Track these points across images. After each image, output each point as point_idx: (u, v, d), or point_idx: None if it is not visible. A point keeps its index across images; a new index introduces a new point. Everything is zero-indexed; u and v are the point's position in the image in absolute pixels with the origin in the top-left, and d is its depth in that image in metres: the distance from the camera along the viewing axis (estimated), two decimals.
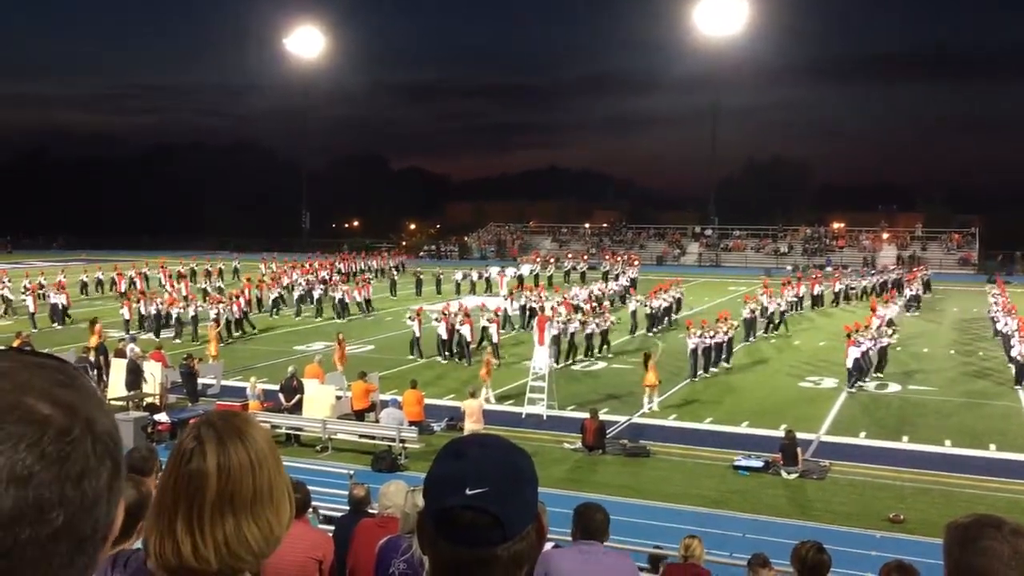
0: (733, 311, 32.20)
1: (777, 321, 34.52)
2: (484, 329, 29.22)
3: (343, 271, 51.54)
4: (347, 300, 38.36)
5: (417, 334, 29.37)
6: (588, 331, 29.07)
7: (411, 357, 28.90)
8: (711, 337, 26.62)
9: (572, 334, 28.71)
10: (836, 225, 79.58)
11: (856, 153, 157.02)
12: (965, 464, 18.30)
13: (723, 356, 27.62)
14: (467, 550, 1.35)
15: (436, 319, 29.30)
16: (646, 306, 34.45)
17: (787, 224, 78.69)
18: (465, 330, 28.71)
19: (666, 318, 35.56)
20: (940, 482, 17.09)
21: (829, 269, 55.43)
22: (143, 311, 34.22)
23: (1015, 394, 24.30)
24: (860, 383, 24.94)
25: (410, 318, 30.01)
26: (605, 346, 29.62)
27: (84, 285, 45.69)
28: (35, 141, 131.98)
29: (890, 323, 30.86)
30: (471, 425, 17.96)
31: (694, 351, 26.21)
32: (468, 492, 1.34)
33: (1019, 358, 24.97)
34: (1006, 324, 28.97)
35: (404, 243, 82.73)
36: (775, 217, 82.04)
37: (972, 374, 27.06)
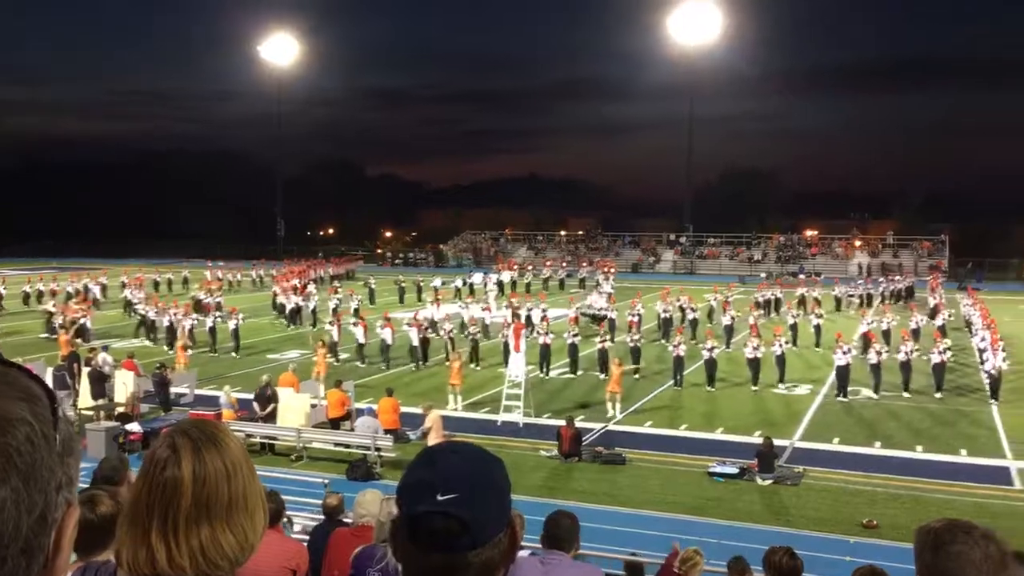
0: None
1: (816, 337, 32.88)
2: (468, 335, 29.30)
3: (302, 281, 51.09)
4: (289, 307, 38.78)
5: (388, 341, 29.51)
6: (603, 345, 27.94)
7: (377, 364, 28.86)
8: (709, 350, 26.18)
9: (574, 345, 28.04)
10: (809, 233, 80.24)
11: (829, 161, 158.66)
12: (936, 469, 18.50)
13: (777, 374, 26.50)
14: (438, 556, 1.37)
15: (408, 324, 29.41)
16: (632, 314, 34.32)
17: (761, 232, 79.25)
18: (387, 334, 29.09)
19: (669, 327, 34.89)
20: (912, 487, 17.26)
21: (802, 276, 55.74)
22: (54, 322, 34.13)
23: (986, 403, 24.47)
24: (852, 392, 25.04)
25: (408, 324, 30.05)
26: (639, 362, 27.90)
27: (26, 296, 44.43)
28: (12, 148, 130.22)
29: (944, 332, 29.73)
30: (436, 438, 17.82)
31: (678, 358, 26.30)
32: (439, 498, 1.37)
33: (993, 371, 24.80)
34: (983, 339, 28.09)
35: (345, 250, 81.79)
36: (749, 225, 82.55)
37: (945, 382, 27.02)
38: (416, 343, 29.03)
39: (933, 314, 36.99)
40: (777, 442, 18.71)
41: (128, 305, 40.31)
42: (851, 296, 45.78)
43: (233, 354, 31.05)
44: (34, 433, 0.97)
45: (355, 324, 30.21)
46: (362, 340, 29.55)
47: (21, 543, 0.95)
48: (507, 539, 1.44)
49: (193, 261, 58.67)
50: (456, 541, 1.37)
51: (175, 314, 32.30)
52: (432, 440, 17.81)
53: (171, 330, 31.78)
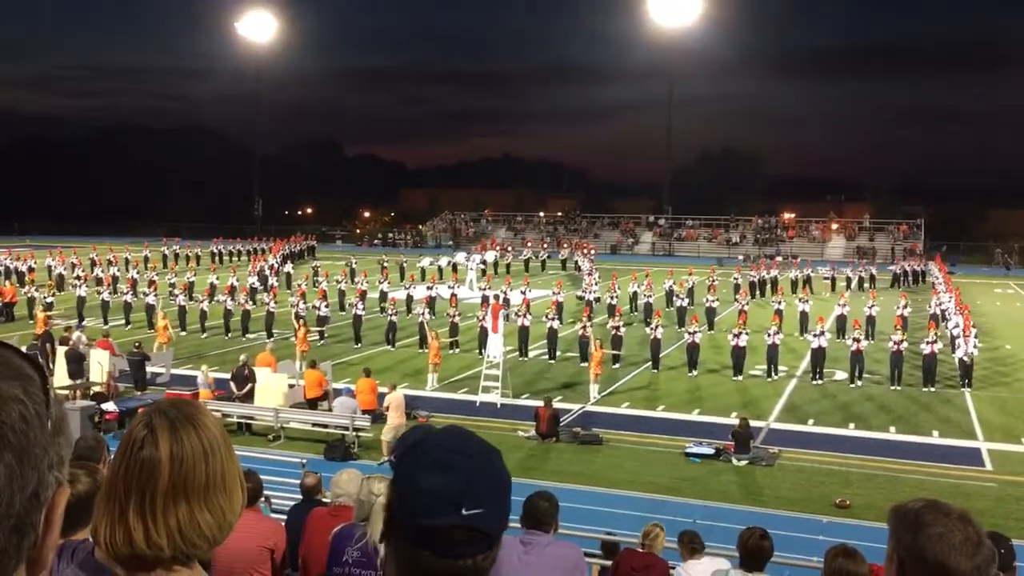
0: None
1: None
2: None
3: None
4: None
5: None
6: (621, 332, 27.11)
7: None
8: (692, 334, 26.12)
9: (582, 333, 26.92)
10: (787, 216, 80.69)
11: (806, 145, 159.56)
12: (909, 450, 18.76)
13: (773, 365, 25.38)
14: (453, 561, 1.33)
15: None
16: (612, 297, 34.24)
17: (739, 214, 79.60)
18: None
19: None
20: (885, 468, 17.48)
21: (778, 258, 56.05)
22: None
23: (959, 388, 24.58)
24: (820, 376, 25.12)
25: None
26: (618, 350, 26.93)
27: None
28: None
29: (937, 321, 28.83)
30: (395, 419, 17.53)
31: (655, 341, 26.36)
32: (464, 512, 1.31)
33: (965, 359, 24.79)
34: (956, 325, 27.42)
35: (326, 230, 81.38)
36: (727, 207, 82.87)
37: (919, 366, 25.92)
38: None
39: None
40: (753, 423, 18.88)
41: (62, 281, 40.18)
42: (826, 280, 46.16)
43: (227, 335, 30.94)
44: (27, 412, 0.97)
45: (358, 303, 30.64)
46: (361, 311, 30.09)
47: (13, 520, 0.96)
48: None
49: (155, 240, 57.77)
50: (476, 548, 1.34)
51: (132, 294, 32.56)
52: (392, 419, 17.57)
53: (128, 307, 32.56)
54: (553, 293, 33.62)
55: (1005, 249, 66.34)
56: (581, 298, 36.67)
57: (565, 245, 63.13)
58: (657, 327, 26.61)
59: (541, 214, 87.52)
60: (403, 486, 1.37)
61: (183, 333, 30.81)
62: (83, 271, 39.68)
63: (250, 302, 32.45)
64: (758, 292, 42.03)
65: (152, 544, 1.39)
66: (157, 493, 1.40)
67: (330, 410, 19.34)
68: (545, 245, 63.91)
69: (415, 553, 1.35)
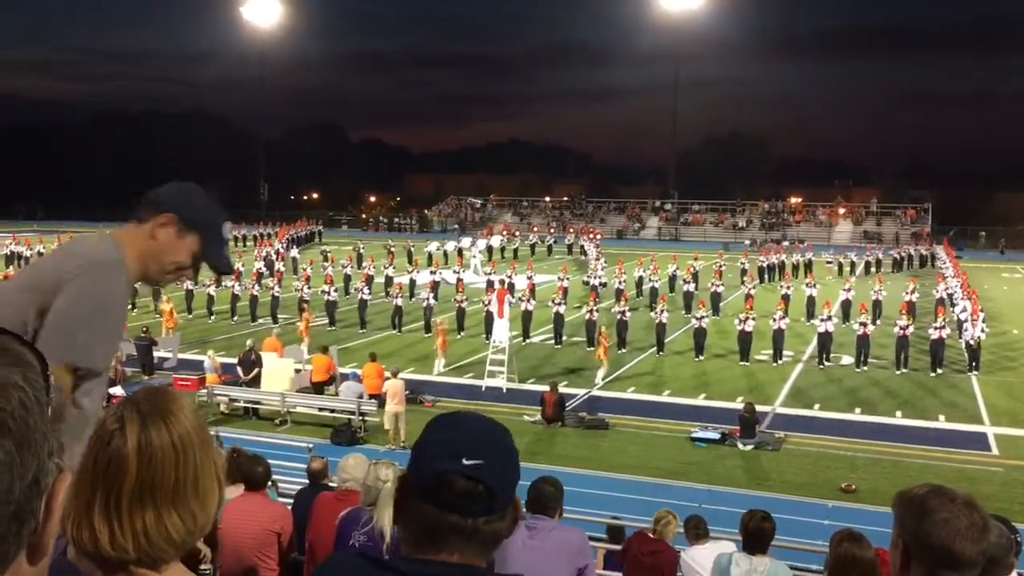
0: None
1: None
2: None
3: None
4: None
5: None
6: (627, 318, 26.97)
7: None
8: (699, 319, 26.05)
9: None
10: (793, 200, 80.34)
11: (812, 128, 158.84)
12: (915, 435, 18.75)
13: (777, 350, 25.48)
14: (455, 517, 1.39)
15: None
16: (619, 281, 34.11)
17: (745, 198, 79.28)
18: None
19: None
20: (891, 452, 17.49)
21: (784, 243, 55.85)
22: None
23: (966, 372, 24.54)
24: (827, 359, 25.08)
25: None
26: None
27: (11, 256, 44.08)
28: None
29: (945, 305, 28.50)
30: (393, 406, 17.34)
31: (661, 325, 26.33)
32: (465, 461, 1.39)
33: (972, 342, 24.71)
34: (964, 309, 27.16)
35: (333, 214, 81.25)
36: (733, 191, 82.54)
37: (925, 351, 25.55)
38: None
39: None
40: (759, 408, 18.87)
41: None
42: (829, 264, 46.09)
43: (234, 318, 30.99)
44: (27, 398, 0.96)
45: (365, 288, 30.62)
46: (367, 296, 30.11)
47: (13, 507, 0.95)
48: (512, 513, 1.47)
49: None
50: (476, 505, 1.39)
51: None
52: (390, 406, 17.46)
53: (134, 291, 32.08)
54: (558, 278, 33.53)
55: (998, 233, 66.10)
56: (587, 283, 36.65)
57: (571, 230, 62.96)
58: (662, 312, 26.57)
59: (547, 199, 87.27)
60: (417, 448, 1.47)
61: (190, 317, 30.94)
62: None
63: (257, 287, 32.46)
64: (766, 277, 41.93)
65: (117, 547, 1.32)
66: (123, 493, 1.32)
67: (336, 395, 19.40)
68: (551, 230, 63.86)
69: (419, 509, 1.41)
